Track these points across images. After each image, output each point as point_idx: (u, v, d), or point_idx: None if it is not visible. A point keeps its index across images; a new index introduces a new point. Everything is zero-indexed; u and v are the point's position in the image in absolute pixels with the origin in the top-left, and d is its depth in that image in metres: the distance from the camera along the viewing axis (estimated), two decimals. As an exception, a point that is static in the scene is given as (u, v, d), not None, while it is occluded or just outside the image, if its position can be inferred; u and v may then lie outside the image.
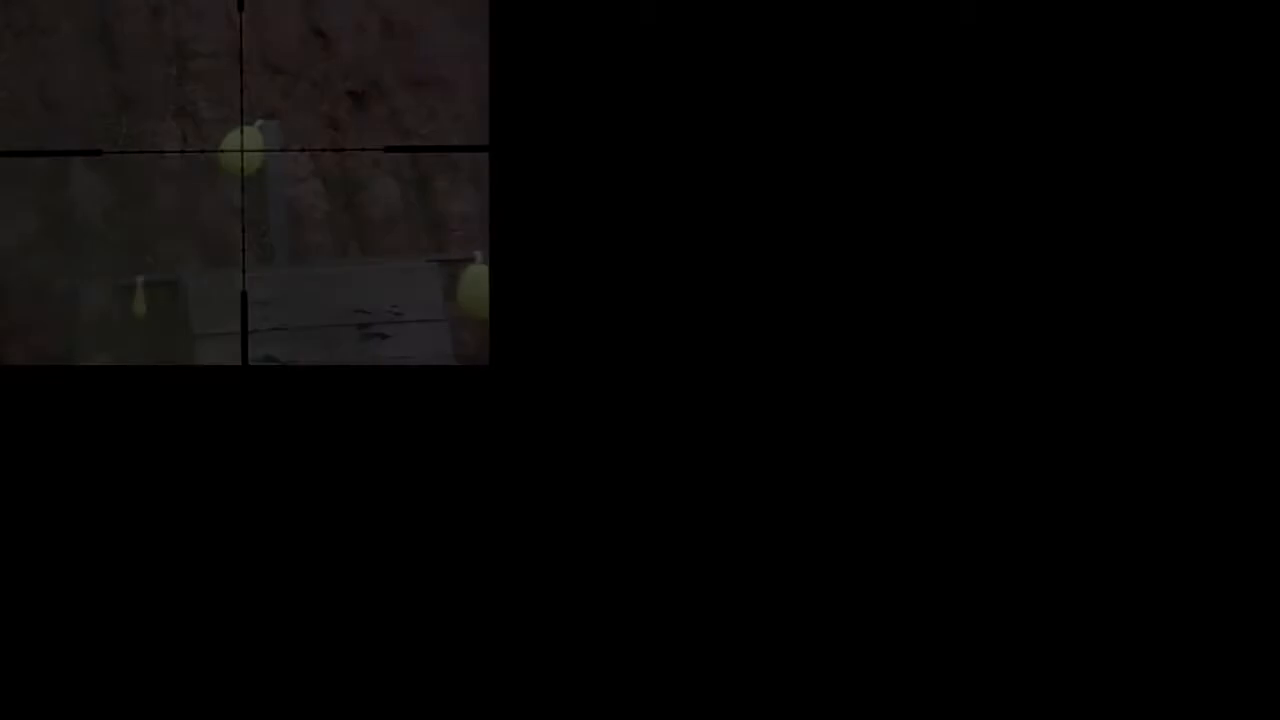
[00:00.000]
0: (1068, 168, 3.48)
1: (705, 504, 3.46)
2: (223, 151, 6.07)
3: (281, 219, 6.21)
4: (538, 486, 3.46)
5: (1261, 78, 3.43)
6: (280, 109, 6.91)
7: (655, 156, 3.49)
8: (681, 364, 3.48)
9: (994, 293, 3.48)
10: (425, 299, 6.09)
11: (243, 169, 5.95)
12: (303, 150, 6.73)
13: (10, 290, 6.45)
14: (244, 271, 5.81)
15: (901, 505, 3.46)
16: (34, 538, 3.45)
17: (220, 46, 6.91)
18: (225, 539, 3.46)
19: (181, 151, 6.71)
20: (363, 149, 6.90)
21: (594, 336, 3.48)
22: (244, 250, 6.21)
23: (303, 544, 3.46)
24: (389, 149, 6.90)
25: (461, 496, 3.48)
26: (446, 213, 7.00)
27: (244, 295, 5.61)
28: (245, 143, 6.00)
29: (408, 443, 3.48)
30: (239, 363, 5.58)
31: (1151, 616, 3.44)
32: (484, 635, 3.46)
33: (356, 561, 3.47)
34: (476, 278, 5.89)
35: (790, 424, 3.47)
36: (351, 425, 3.48)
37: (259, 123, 6.17)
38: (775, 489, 3.46)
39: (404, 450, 3.47)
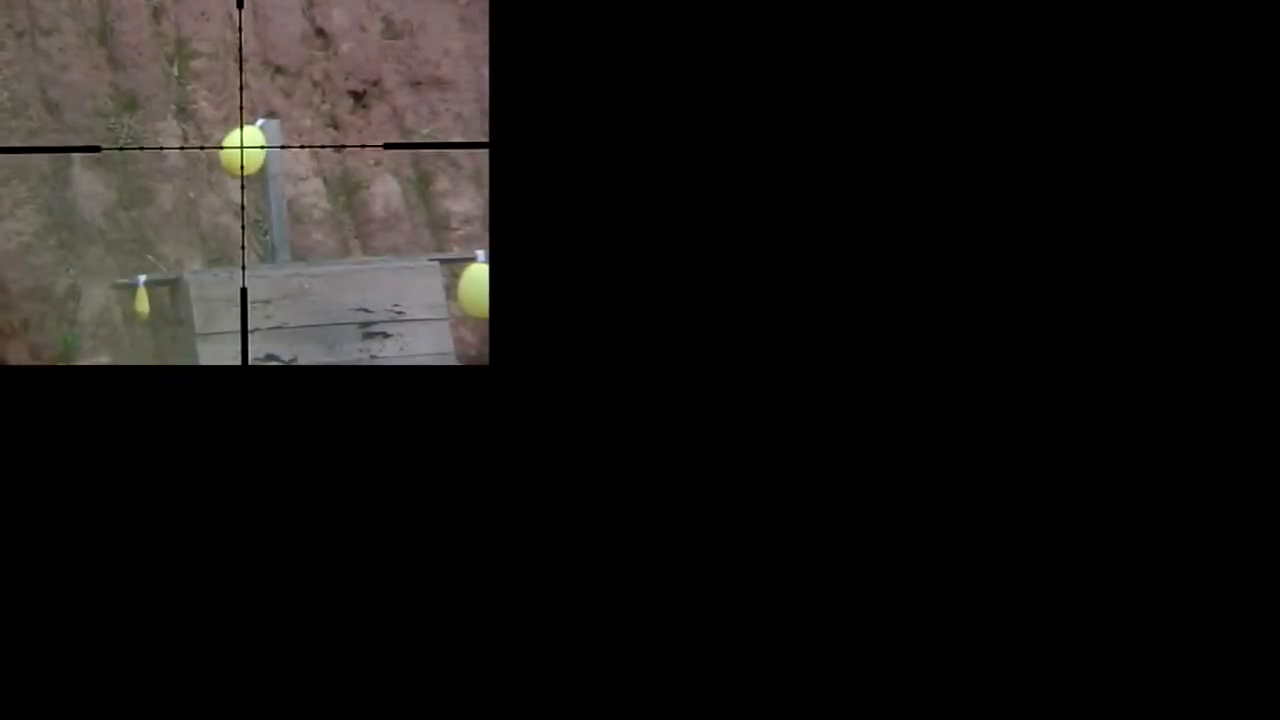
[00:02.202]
0: (1071, 161, 3.47)
1: (704, 503, 3.46)
2: (222, 148, 6.07)
3: (282, 218, 6.22)
4: (538, 486, 3.46)
5: (1267, 55, 3.42)
6: (281, 108, 6.92)
7: (657, 154, 3.48)
8: (682, 364, 3.48)
9: (994, 290, 3.48)
10: (426, 298, 6.09)
11: (242, 166, 5.95)
12: (302, 147, 6.73)
13: (12, 289, 6.45)
14: (244, 269, 5.82)
15: (900, 506, 3.46)
16: (35, 537, 3.45)
17: (221, 46, 6.92)
18: (226, 538, 3.46)
19: (180, 148, 6.71)
20: (363, 145, 6.91)
21: (595, 336, 3.47)
22: (244, 248, 6.22)
23: (304, 543, 3.47)
24: (388, 145, 6.90)
25: (462, 496, 3.48)
26: (447, 212, 7.01)
27: (244, 293, 5.61)
28: (246, 142, 6.00)
29: (409, 443, 3.48)
30: (240, 362, 5.59)
31: (1150, 617, 3.44)
32: (484, 634, 3.46)
33: (358, 560, 3.47)
34: (477, 277, 5.90)
35: (789, 424, 3.47)
36: (352, 425, 3.47)
37: (260, 121, 6.17)
38: (775, 488, 3.46)
39: (405, 450, 3.47)
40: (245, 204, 6.66)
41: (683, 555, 3.46)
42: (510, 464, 3.46)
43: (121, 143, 6.72)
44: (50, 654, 3.44)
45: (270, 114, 6.70)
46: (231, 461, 3.45)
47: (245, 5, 7.04)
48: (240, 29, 6.69)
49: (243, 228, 6.20)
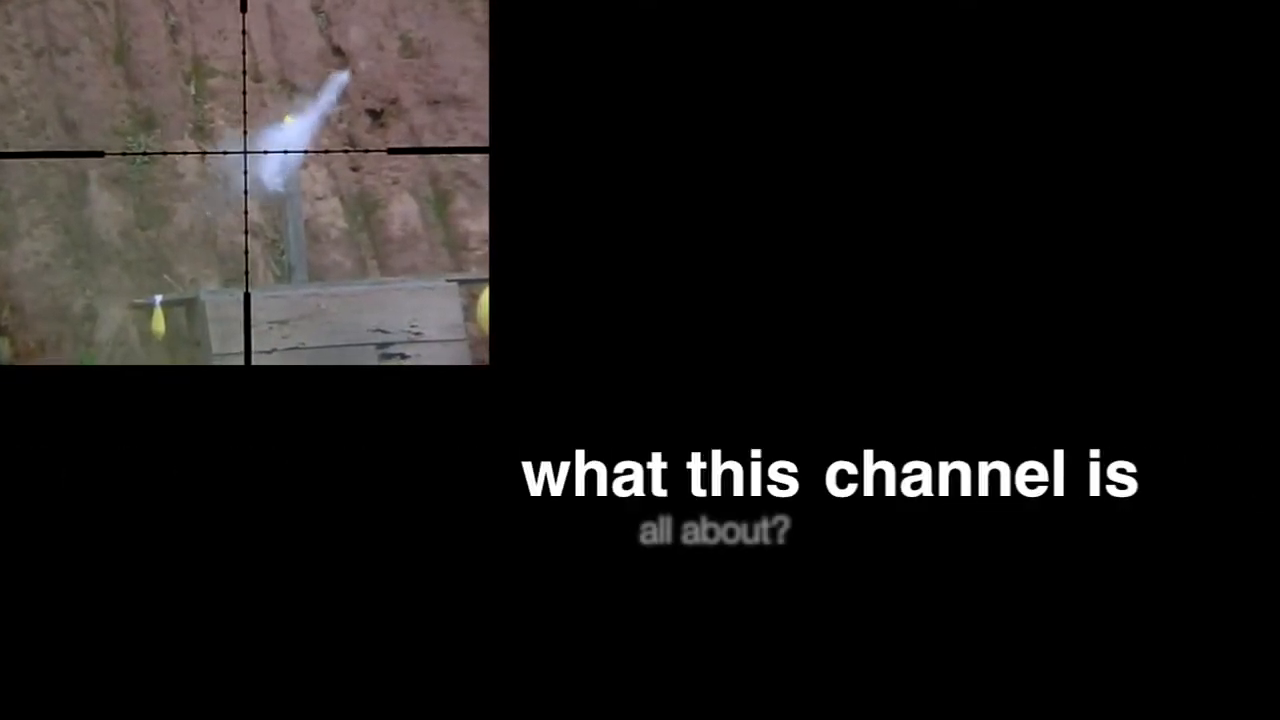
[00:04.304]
0: (1071, 159, 3.47)
1: (701, 500, 3.45)
2: (223, 154, 6.06)
3: (300, 238, 6.20)
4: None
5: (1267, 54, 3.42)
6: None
7: (656, 158, 3.48)
8: (680, 364, 3.48)
9: (993, 289, 3.47)
10: (444, 319, 6.06)
11: (245, 167, 5.95)
12: (306, 152, 6.71)
13: (29, 309, 6.45)
14: (248, 271, 5.81)
15: (898, 505, 3.46)
16: (36, 537, 3.44)
17: (238, 65, 6.91)
18: (228, 537, 3.45)
19: (182, 154, 6.71)
20: (366, 150, 6.90)
21: (595, 337, 3.48)
22: (247, 249, 6.19)
23: (305, 542, 3.46)
24: (391, 150, 6.90)
25: (462, 494, 3.47)
26: (466, 232, 6.99)
27: (247, 296, 5.60)
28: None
29: (409, 442, 3.47)
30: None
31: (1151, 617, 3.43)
32: (483, 632, 3.45)
33: (359, 558, 3.46)
34: None
35: (784, 425, 3.46)
36: (353, 425, 3.47)
37: (277, 140, 6.17)
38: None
39: (405, 449, 3.47)
40: (263, 222, 6.65)
41: (678, 552, 3.45)
42: (510, 463, 3.46)
43: (138, 161, 6.71)
44: (51, 653, 3.43)
45: (287, 132, 6.69)
46: (234, 460, 3.44)
47: (263, 25, 7.03)
48: (244, 30, 6.67)
49: (245, 230, 6.17)
